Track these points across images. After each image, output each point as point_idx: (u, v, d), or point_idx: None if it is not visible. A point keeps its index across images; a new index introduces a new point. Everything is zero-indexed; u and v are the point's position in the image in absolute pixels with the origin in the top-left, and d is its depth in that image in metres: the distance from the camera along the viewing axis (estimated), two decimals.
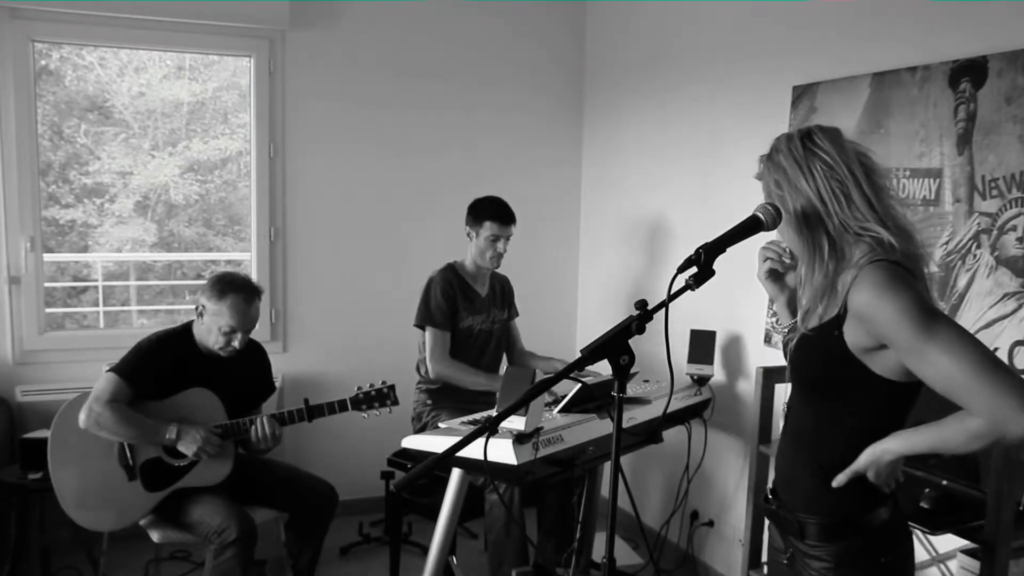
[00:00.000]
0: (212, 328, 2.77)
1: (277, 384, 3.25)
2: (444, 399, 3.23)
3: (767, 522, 1.79)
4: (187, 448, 2.69)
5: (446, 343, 3.24)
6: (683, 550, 3.51)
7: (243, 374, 2.92)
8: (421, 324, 3.27)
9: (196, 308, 2.82)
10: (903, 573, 1.57)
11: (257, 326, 3.80)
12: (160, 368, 2.76)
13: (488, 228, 3.24)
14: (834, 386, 1.51)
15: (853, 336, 1.44)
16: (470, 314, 3.31)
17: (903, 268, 1.42)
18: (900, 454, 1.45)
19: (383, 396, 2.88)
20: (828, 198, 1.47)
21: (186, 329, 2.87)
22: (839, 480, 1.49)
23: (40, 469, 2.89)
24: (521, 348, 3.58)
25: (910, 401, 1.50)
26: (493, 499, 2.89)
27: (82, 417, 2.65)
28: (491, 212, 3.26)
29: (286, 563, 3.01)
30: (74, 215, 3.93)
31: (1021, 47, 2.15)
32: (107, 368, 2.78)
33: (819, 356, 1.51)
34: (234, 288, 2.77)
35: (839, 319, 1.46)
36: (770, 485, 1.71)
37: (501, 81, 4.14)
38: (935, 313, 1.38)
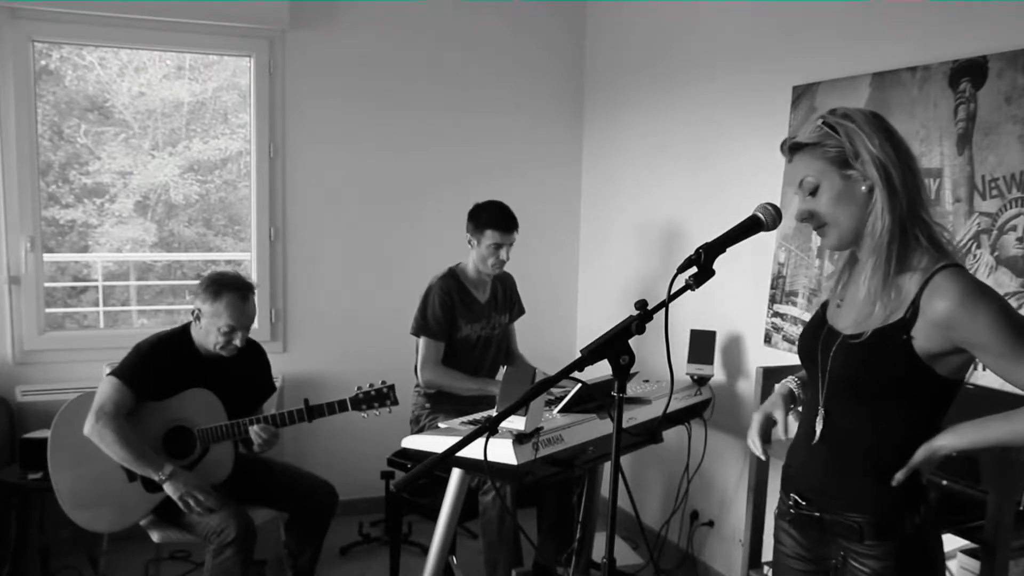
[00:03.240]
0: (211, 330, 2.77)
1: (277, 384, 3.24)
2: (442, 403, 3.23)
3: (774, 526, 1.74)
4: (171, 491, 2.65)
5: (439, 353, 3.24)
6: (683, 550, 3.51)
7: (243, 374, 2.92)
8: (416, 333, 3.26)
9: (192, 312, 2.81)
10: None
11: (256, 324, 3.83)
12: (160, 369, 2.76)
13: (490, 236, 3.20)
14: (893, 389, 1.49)
15: (926, 342, 1.43)
16: (469, 322, 3.29)
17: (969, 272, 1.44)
18: (960, 449, 1.46)
19: (383, 396, 2.87)
20: (912, 183, 1.46)
21: (184, 330, 2.87)
22: (898, 478, 1.48)
23: (40, 469, 2.89)
24: (514, 351, 3.57)
25: (955, 396, 1.51)
26: (487, 501, 2.89)
27: (87, 427, 2.66)
28: (492, 220, 3.21)
29: (286, 563, 3.01)
30: (74, 215, 3.94)
31: (1021, 47, 2.15)
32: (108, 371, 2.78)
33: (882, 360, 1.48)
34: (228, 287, 2.77)
35: (906, 323, 1.44)
36: (790, 492, 1.65)
37: (501, 81, 4.14)
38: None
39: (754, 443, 1.71)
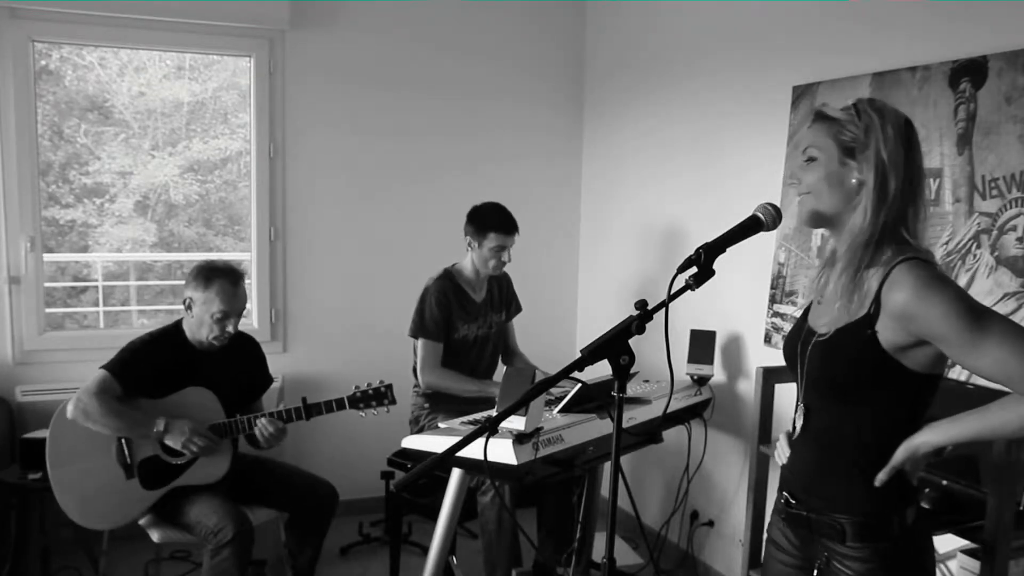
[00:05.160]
0: (203, 318, 2.77)
1: (277, 384, 3.24)
2: (441, 403, 3.23)
3: (769, 521, 1.75)
4: (174, 441, 2.67)
5: (438, 354, 3.24)
6: (683, 550, 3.51)
7: (238, 368, 2.92)
8: (415, 335, 3.27)
9: (184, 302, 2.82)
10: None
11: (256, 324, 3.83)
12: (154, 367, 2.76)
13: (493, 239, 3.21)
14: (866, 386, 1.48)
15: (890, 335, 1.42)
16: (465, 322, 3.29)
17: (933, 265, 1.43)
18: (938, 445, 1.44)
19: (381, 395, 2.87)
20: (908, 197, 1.45)
21: (176, 327, 2.87)
22: (880, 478, 1.47)
23: (40, 469, 2.89)
24: (513, 348, 3.57)
25: (934, 392, 1.50)
26: (485, 501, 2.89)
27: (70, 408, 2.65)
28: (496, 223, 3.22)
29: (286, 563, 3.01)
30: (74, 215, 3.94)
31: (1021, 47, 2.15)
32: (100, 367, 2.78)
33: (850, 358, 1.48)
34: (218, 274, 2.79)
35: (870, 318, 1.44)
36: (783, 491, 1.66)
37: (501, 82, 4.14)
38: (981, 306, 1.39)
39: (780, 442, 1.73)
